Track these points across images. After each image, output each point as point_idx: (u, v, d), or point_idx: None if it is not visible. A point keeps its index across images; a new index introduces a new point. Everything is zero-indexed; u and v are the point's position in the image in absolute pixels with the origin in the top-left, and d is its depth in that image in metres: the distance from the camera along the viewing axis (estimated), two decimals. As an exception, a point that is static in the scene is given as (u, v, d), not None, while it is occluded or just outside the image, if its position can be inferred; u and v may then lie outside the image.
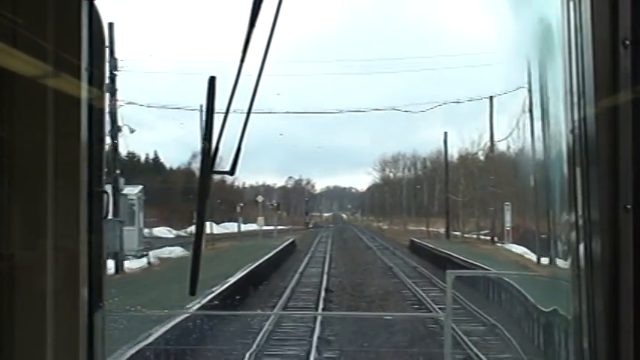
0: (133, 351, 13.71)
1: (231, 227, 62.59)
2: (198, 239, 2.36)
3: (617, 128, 1.91)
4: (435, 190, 72.33)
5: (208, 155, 2.17)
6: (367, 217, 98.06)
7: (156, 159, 68.09)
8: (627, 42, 1.91)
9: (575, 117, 2.01)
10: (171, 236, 54.30)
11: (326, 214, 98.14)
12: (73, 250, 2.16)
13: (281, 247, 45.85)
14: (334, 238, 68.17)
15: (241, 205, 65.57)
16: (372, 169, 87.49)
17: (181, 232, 54.27)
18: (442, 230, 62.57)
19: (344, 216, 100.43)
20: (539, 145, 2.38)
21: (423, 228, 70.22)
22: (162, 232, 54.74)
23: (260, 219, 62.92)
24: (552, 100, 2.26)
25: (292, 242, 54.78)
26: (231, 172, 2.22)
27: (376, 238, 67.69)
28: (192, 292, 2.28)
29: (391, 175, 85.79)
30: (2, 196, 2.14)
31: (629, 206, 1.90)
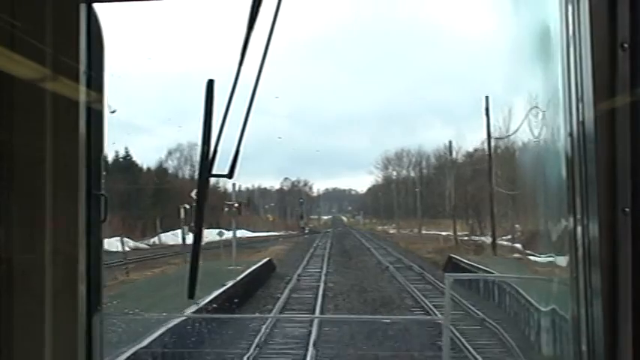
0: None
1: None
2: (196, 243, 2.45)
3: (616, 131, 1.97)
4: (446, 188, 63.53)
5: (207, 158, 2.25)
6: (370, 219, 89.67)
7: (127, 157, 56.69)
8: (625, 45, 1.97)
9: (574, 120, 2.07)
10: (127, 249, 41.34)
11: (325, 217, 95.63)
12: (72, 252, 2.24)
13: (237, 281, 26.28)
14: (333, 249, 51.21)
15: (186, 207, 44.39)
16: (373, 167, 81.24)
17: (141, 244, 44.02)
18: (466, 236, 49.88)
19: (344, 219, 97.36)
20: (537, 148, 2.48)
21: (445, 232, 56.11)
22: (114, 244, 42.59)
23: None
24: (551, 103, 2.36)
25: (266, 264, 35.95)
26: (230, 175, 2.31)
27: (388, 249, 50.90)
28: (191, 296, 2.38)
29: (395, 173, 79.46)
30: (1, 199, 2.23)
31: (627, 209, 1.96)
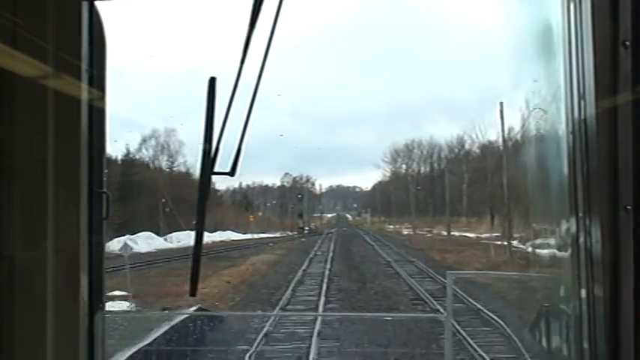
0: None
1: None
2: (198, 241, 2.57)
3: (617, 129, 2.06)
4: (464, 182, 56.76)
5: (208, 156, 2.35)
6: (378, 217, 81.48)
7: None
8: (627, 43, 2.06)
9: (576, 118, 2.16)
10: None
11: (329, 215, 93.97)
12: (74, 251, 2.33)
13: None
14: (336, 262, 37.16)
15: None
16: (381, 160, 71.32)
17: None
18: (497, 239, 39.52)
19: (349, 217, 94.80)
20: (539, 146, 2.60)
21: (472, 234, 46.31)
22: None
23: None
24: (552, 101, 2.47)
25: (188, 324, 17.68)
26: (232, 173, 2.43)
27: (414, 262, 35.53)
28: (193, 293, 2.51)
29: (404, 166, 70.09)
30: (3, 197, 2.32)
31: (629, 207, 2.06)
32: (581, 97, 2.16)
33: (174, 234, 43.88)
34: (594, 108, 2.11)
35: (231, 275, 30.61)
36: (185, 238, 41.44)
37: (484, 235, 45.29)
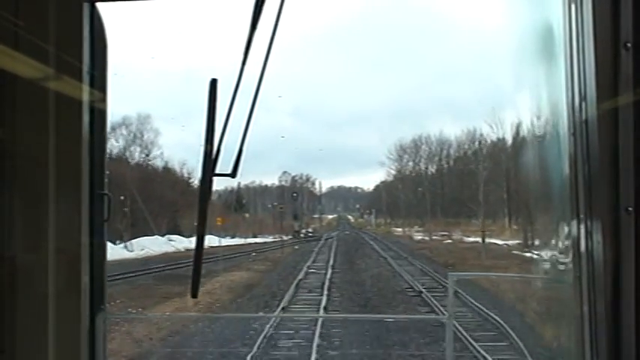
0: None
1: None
2: (199, 243, 2.64)
3: (619, 130, 2.11)
4: (481, 181, 50.43)
5: (210, 157, 2.39)
6: (384, 219, 75.46)
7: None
8: (628, 44, 2.12)
9: (577, 119, 2.22)
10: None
11: (330, 216, 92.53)
12: (75, 252, 2.39)
13: None
14: (335, 293, 25.54)
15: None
16: (386, 158, 65.18)
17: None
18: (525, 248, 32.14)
19: (350, 218, 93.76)
20: (540, 148, 2.66)
21: (501, 241, 39.71)
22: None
23: None
24: (554, 103, 2.53)
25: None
26: (233, 174, 2.50)
27: (467, 301, 21.48)
28: (194, 295, 2.59)
29: (411, 163, 62.92)
30: (4, 199, 2.37)
31: (630, 208, 2.11)
32: (583, 98, 2.20)
33: (138, 240, 36.68)
34: (595, 109, 2.16)
35: (164, 320, 18.91)
36: (151, 245, 34.76)
37: (511, 243, 37.59)
